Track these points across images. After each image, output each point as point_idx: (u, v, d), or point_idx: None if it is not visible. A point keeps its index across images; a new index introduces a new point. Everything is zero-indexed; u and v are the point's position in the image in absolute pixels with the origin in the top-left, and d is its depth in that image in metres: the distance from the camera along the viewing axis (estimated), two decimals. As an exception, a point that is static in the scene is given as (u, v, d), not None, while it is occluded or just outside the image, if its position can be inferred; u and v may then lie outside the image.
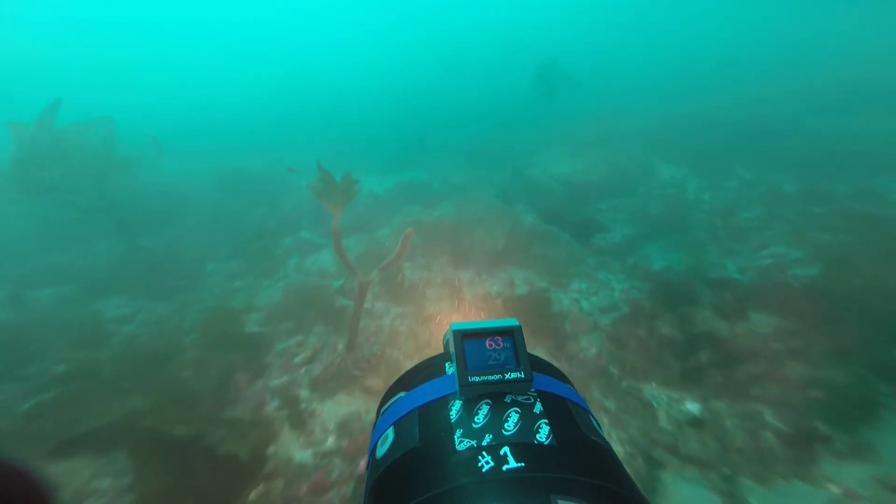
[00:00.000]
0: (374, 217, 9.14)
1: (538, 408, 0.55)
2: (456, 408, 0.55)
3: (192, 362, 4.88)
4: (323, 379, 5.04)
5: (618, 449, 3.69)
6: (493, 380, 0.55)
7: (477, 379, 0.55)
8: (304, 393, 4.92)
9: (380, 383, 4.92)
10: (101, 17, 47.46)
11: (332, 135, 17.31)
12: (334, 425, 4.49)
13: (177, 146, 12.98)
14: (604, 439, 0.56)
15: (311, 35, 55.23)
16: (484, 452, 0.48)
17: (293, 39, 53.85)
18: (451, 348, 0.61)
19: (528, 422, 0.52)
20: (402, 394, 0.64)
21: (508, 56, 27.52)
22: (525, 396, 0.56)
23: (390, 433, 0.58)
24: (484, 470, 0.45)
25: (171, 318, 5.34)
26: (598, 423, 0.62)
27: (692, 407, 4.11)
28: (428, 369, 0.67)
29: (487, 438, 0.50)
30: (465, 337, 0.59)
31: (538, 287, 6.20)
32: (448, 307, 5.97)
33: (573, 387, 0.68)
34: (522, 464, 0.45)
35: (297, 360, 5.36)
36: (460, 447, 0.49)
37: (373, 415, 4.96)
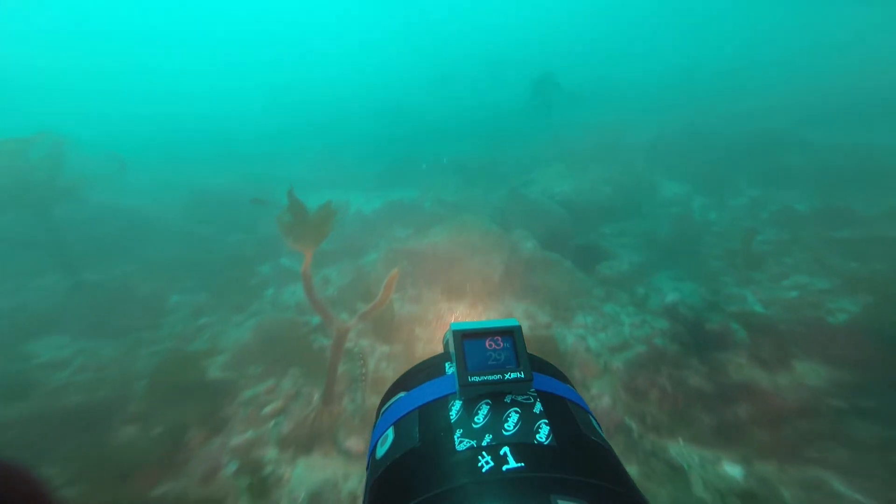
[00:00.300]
0: (360, 240, 8.53)
1: (538, 408, 0.55)
2: (456, 408, 0.55)
3: (135, 417, 4.14)
4: (294, 436, 4.33)
5: None
6: (492, 380, 0.55)
7: (477, 379, 0.55)
8: (270, 453, 4.20)
9: (360, 443, 4.23)
10: (70, 25, 46.59)
11: (319, 149, 16.81)
12: (305, 495, 3.77)
13: (147, 161, 12.31)
14: (604, 439, 0.56)
15: (299, 46, 54.97)
16: (484, 452, 0.47)
17: (281, 51, 53.61)
18: (451, 348, 0.61)
19: (527, 422, 0.52)
20: (402, 394, 0.64)
21: (503, 68, 27.42)
22: (525, 396, 0.56)
23: (390, 433, 0.58)
24: (484, 470, 0.45)
25: (118, 363, 4.61)
26: (598, 423, 0.61)
27: (732, 470, 3.48)
28: (428, 369, 0.66)
29: (487, 438, 0.50)
30: (464, 337, 0.59)
31: (540, 322, 5.60)
32: (440, 345, 5.35)
33: (573, 387, 0.67)
34: (522, 464, 0.45)
35: (266, 410, 4.63)
36: (460, 447, 0.49)
37: (352, 481, 4.17)
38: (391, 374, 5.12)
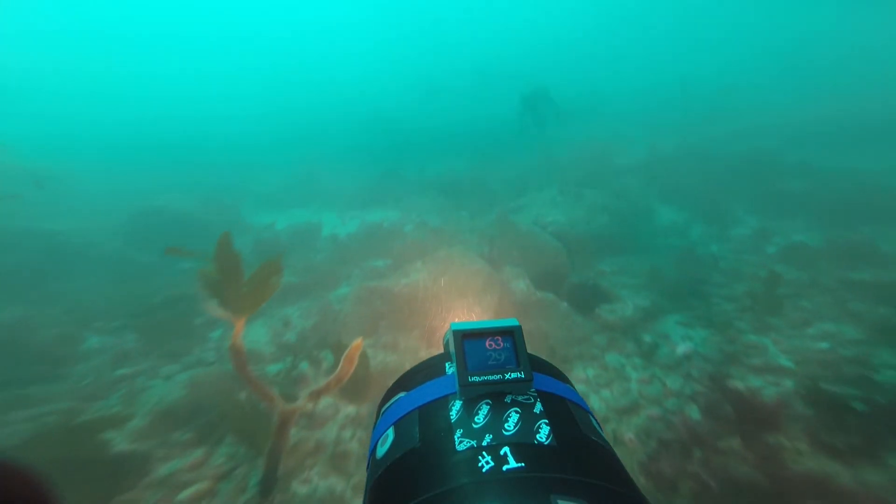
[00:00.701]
0: (331, 271, 7.63)
1: (538, 408, 0.55)
2: (456, 408, 0.55)
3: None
4: (221, 542, 3.36)
5: None
6: (493, 380, 0.55)
7: (477, 379, 0.55)
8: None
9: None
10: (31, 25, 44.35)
11: (297, 161, 15.88)
12: None
13: (96, 172, 11.12)
14: (604, 439, 0.56)
15: (282, 54, 54.04)
16: (484, 452, 0.48)
17: (263, 59, 52.53)
18: (451, 348, 0.62)
19: (528, 422, 0.52)
20: (402, 394, 0.64)
21: (493, 80, 27.02)
22: (525, 396, 0.56)
23: (390, 433, 0.58)
24: (484, 470, 0.45)
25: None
26: (598, 423, 0.62)
27: None
28: (428, 369, 0.67)
29: (487, 438, 0.50)
30: (465, 337, 0.59)
31: (536, 377, 4.79)
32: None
33: (573, 387, 0.67)
34: (522, 464, 0.45)
35: (184, 496, 3.62)
36: (460, 447, 0.49)
37: None
38: (357, 446, 4.21)
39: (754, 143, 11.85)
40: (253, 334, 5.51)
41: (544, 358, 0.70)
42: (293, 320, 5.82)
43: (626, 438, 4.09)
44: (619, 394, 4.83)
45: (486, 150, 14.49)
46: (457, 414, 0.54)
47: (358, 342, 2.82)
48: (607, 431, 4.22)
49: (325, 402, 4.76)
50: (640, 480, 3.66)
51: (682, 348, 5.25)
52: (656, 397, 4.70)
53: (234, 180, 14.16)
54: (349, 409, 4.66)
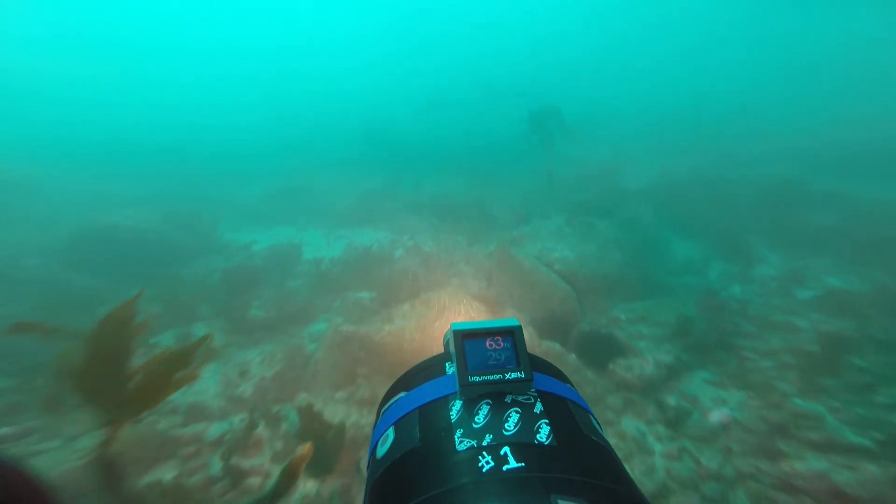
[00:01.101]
0: (307, 302, 6.83)
1: (538, 408, 0.55)
2: (456, 408, 0.56)
3: None
4: None
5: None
6: (493, 380, 0.56)
7: (477, 379, 0.56)
8: None
9: None
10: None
11: (287, 172, 15.11)
12: None
13: (49, 182, 10.17)
14: (604, 439, 0.57)
15: (280, 60, 53.19)
16: (484, 452, 0.48)
17: (259, 63, 51.67)
18: (452, 348, 0.62)
19: (528, 422, 0.52)
20: (402, 394, 0.65)
21: (497, 95, 26.34)
22: (525, 396, 0.57)
23: (391, 433, 0.58)
24: (484, 470, 0.45)
25: None
26: (598, 423, 0.62)
27: None
28: (428, 369, 0.67)
29: (488, 438, 0.50)
30: (465, 337, 0.60)
31: (540, 453, 3.95)
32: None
33: (574, 387, 0.68)
34: (523, 464, 0.46)
35: None
36: (460, 447, 0.50)
37: None
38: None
39: (774, 168, 11.18)
40: (199, 384, 4.66)
41: None
42: (252, 367, 4.98)
43: (655, 546, 3.27)
44: (641, 472, 4.01)
45: (487, 169, 13.80)
46: (457, 414, 0.54)
47: (305, 451, 2.01)
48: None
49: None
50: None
51: (716, 415, 4.44)
52: (690, 479, 3.88)
53: (219, 191, 13.39)
54: (309, 485, 3.81)
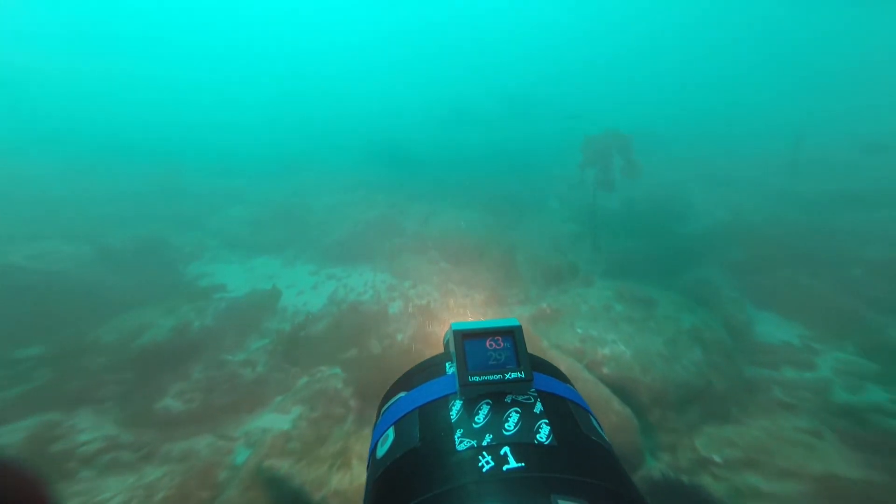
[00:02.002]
0: (256, 382, 5.15)
1: (538, 408, 0.56)
2: (456, 408, 0.56)
3: None
4: None
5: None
6: (493, 380, 0.56)
7: (477, 379, 0.56)
8: None
9: None
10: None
11: (284, 193, 13.64)
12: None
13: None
14: (604, 439, 0.58)
15: (288, 66, 51.70)
16: (484, 452, 0.48)
17: (268, 67, 50.69)
18: (452, 348, 0.63)
19: (528, 422, 0.53)
20: (402, 394, 0.65)
21: (522, 112, 24.25)
22: (525, 396, 0.58)
23: (391, 433, 0.59)
24: (484, 470, 0.46)
25: None
26: (598, 423, 0.62)
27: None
28: (428, 369, 0.68)
29: (488, 438, 0.51)
30: (465, 337, 0.60)
31: None
32: None
33: (574, 387, 0.68)
34: (523, 464, 0.46)
35: None
36: (461, 447, 0.50)
37: None
38: None
39: (885, 213, 8.96)
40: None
41: None
42: (178, 466, 3.26)
43: None
44: None
45: (513, 201, 11.96)
46: (457, 414, 0.55)
47: None
48: None
49: None
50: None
51: None
52: None
53: (205, 208, 11.99)
54: None
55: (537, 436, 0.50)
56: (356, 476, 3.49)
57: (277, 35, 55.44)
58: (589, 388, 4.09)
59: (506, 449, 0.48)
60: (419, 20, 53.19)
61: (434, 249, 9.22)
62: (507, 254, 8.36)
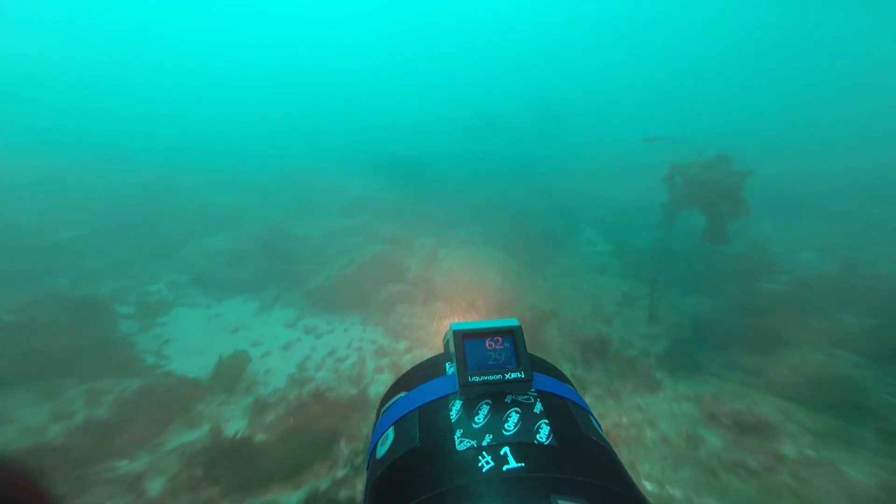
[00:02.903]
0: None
1: (538, 408, 0.56)
2: (456, 408, 0.57)
3: None
4: None
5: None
6: (493, 380, 0.56)
7: (477, 379, 0.56)
8: None
9: None
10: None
11: (272, 210, 12.11)
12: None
13: None
14: (604, 439, 0.58)
15: (298, 71, 49.72)
16: (484, 452, 0.49)
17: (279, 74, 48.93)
18: (452, 348, 0.63)
19: (528, 422, 0.53)
20: (402, 394, 0.65)
21: (558, 123, 21.92)
22: (525, 396, 0.58)
23: (391, 433, 0.59)
24: (484, 470, 0.46)
25: None
26: (598, 423, 0.63)
27: None
28: (428, 369, 0.68)
29: (487, 438, 0.51)
30: (465, 337, 0.61)
31: None
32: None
33: (573, 387, 0.68)
34: (522, 464, 0.47)
35: None
36: (460, 447, 0.50)
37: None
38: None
39: None
40: None
41: None
42: None
43: None
44: None
45: (541, 230, 9.96)
46: (457, 414, 0.56)
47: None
48: None
49: None
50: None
51: None
52: None
53: (180, 233, 10.52)
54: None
55: (537, 436, 0.51)
56: None
57: (292, 33, 53.65)
58: None
59: (506, 449, 0.48)
60: (444, 15, 50.29)
61: (440, 300, 7.37)
62: (532, 313, 6.39)
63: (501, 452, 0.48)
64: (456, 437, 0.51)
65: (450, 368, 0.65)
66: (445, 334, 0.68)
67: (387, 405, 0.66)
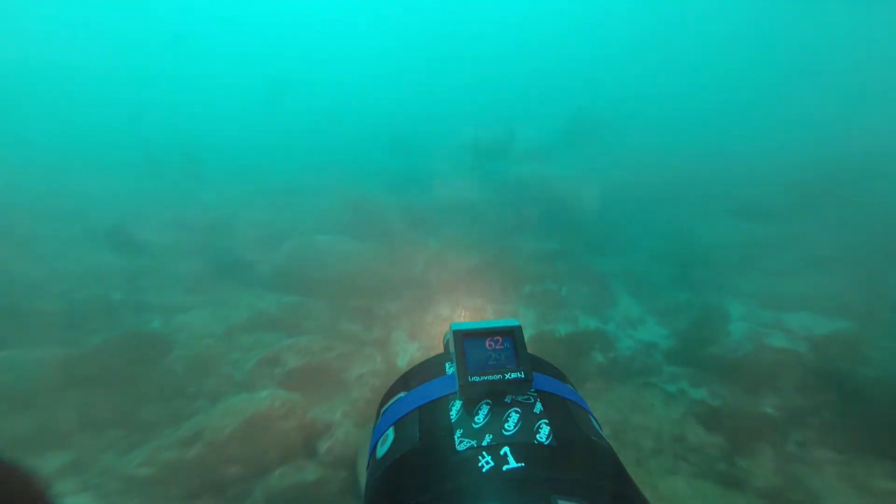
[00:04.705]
0: None
1: (538, 408, 0.56)
2: (456, 408, 0.57)
3: None
4: None
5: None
6: (493, 380, 0.57)
7: (477, 379, 0.57)
8: None
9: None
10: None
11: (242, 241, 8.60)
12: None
13: None
14: (604, 439, 0.58)
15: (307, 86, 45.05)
16: (484, 452, 0.49)
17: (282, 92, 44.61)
18: (452, 348, 0.63)
19: (528, 422, 0.54)
20: (402, 394, 0.66)
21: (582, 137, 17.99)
22: (525, 396, 0.58)
23: (390, 433, 0.59)
24: (484, 470, 0.46)
25: None
26: (598, 423, 0.63)
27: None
28: (428, 369, 0.68)
29: (487, 438, 0.51)
30: (465, 337, 0.61)
31: None
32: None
33: (574, 387, 0.69)
34: (522, 464, 0.47)
35: None
36: (460, 447, 0.50)
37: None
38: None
39: None
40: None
41: None
42: None
43: None
44: None
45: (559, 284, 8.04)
46: (457, 414, 0.55)
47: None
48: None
49: None
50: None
51: None
52: None
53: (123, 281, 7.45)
54: None
55: (537, 436, 0.51)
56: None
57: (294, 31, 50.40)
58: None
59: (506, 449, 0.48)
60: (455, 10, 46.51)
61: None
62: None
63: (501, 452, 0.48)
64: (456, 437, 0.51)
65: (449, 368, 0.64)
66: (445, 334, 0.68)
67: (386, 405, 0.65)
